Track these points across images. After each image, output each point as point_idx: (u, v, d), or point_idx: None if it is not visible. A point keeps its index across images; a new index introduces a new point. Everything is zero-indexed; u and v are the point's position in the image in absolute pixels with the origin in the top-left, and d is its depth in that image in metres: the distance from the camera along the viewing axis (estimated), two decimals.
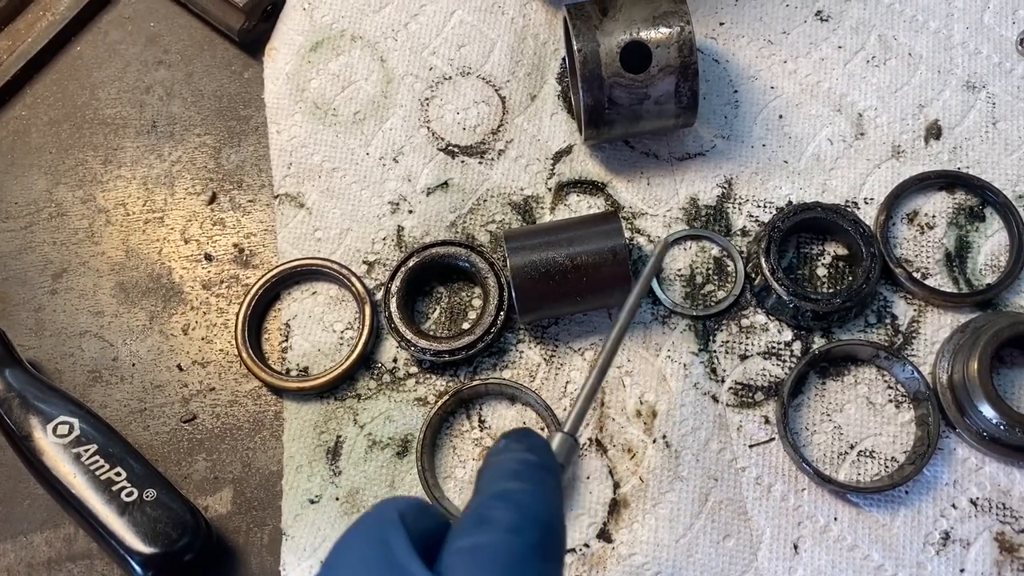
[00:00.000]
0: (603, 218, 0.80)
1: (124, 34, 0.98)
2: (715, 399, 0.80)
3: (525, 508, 0.51)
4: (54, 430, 0.76)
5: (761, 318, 0.82)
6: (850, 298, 0.79)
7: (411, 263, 0.84)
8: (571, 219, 0.81)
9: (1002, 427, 0.74)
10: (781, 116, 0.89)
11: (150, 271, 0.89)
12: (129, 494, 0.74)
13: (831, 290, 0.82)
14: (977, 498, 0.76)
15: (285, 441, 0.82)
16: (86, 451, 0.75)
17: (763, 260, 0.80)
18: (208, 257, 0.89)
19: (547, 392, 0.82)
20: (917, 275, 0.82)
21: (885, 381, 0.80)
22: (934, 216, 0.85)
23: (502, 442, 0.58)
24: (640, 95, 0.80)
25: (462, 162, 0.89)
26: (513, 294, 0.79)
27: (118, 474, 0.75)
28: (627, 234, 0.86)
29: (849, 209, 0.83)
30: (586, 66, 0.79)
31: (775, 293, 0.80)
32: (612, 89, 0.79)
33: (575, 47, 0.79)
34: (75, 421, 0.77)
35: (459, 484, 0.80)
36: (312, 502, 0.79)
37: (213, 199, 0.90)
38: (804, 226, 0.83)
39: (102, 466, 0.75)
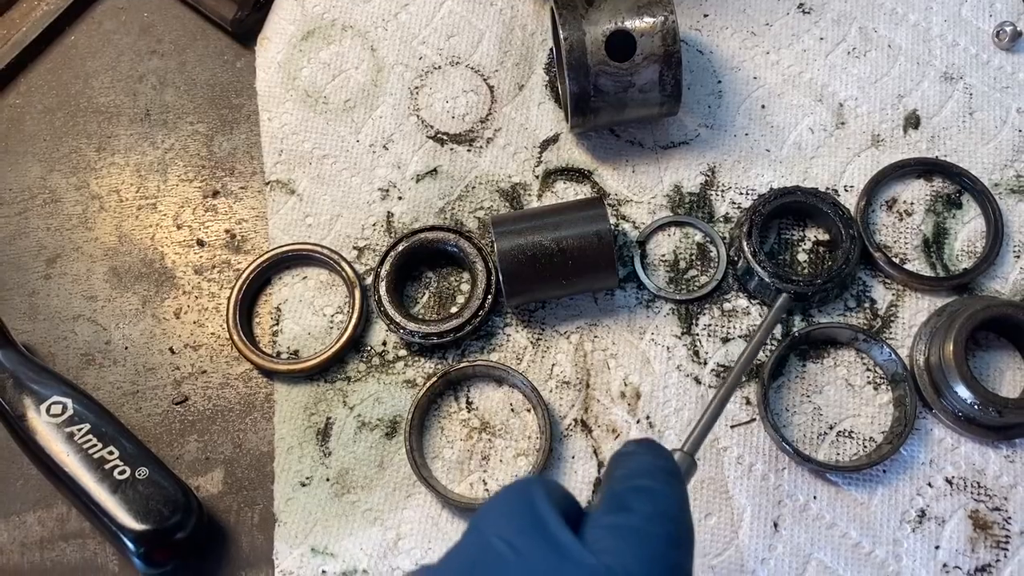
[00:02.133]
0: (589, 203, 0.82)
1: (118, 24, 0.99)
2: (697, 381, 0.82)
3: (660, 502, 0.54)
4: (47, 410, 0.77)
5: (743, 302, 0.84)
6: (831, 279, 0.81)
7: (400, 248, 0.85)
8: (557, 204, 0.83)
9: (976, 407, 0.76)
10: (763, 106, 0.91)
11: (143, 256, 0.90)
12: (122, 472, 0.76)
13: (812, 271, 0.84)
14: (952, 477, 0.78)
15: (276, 423, 0.83)
16: (79, 430, 0.77)
17: (744, 243, 0.82)
18: (200, 243, 0.90)
19: (533, 374, 0.83)
20: (896, 260, 0.84)
21: (864, 363, 0.82)
22: (912, 203, 0.87)
23: (631, 446, 0.61)
24: (625, 83, 0.81)
25: (451, 150, 0.91)
26: (500, 278, 0.80)
27: (111, 453, 0.76)
28: (612, 220, 0.87)
29: (829, 192, 0.85)
30: (572, 54, 0.81)
31: (757, 275, 0.81)
32: (598, 77, 0.81)
33: (561, 36, 0.81)
34: (68, 401, 0.78)
35: (447, 464, 0.81)
36: (303, 484, 0.81)
37: (215, 195, 0.91)
38: (785, 210, 0.85)
39: (95, 445, 0.76)
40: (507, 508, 0.52)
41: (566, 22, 0.81)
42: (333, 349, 0.83)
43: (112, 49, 0.98)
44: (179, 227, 0.91)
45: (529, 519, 0.51)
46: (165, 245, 0.91)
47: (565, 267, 0.79)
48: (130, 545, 0.74)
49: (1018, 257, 0.84)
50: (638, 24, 0.80)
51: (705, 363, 0.82)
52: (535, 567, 0.48)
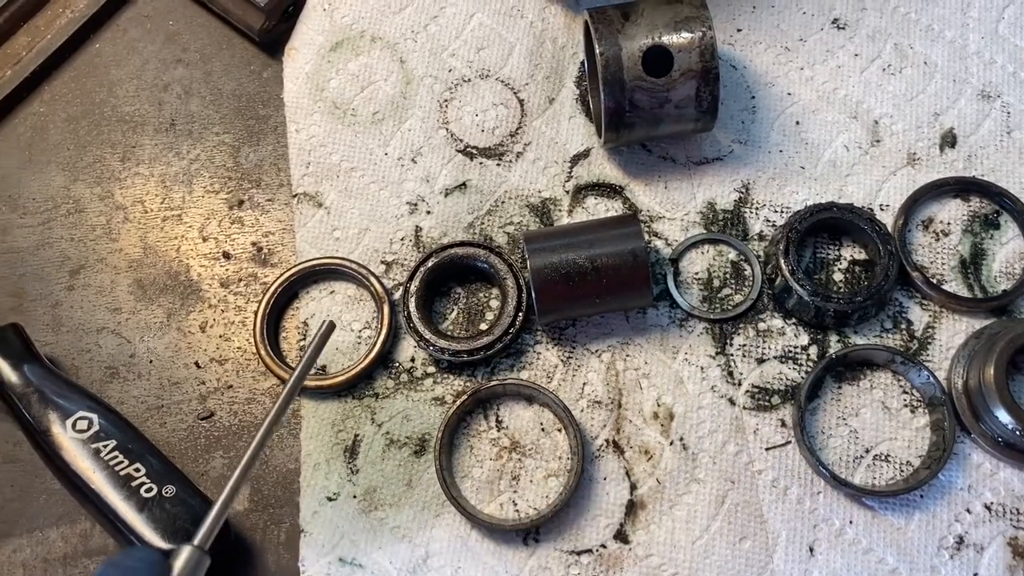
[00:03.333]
0: (622, 221, 0.81)
1: (143, 32, 0.98)
2: (732, 402, 0.81)
3: None
4: (73, 425, 0.76)
5: (778, 322, 0.83)
6: (870, 296, 0.80)
7: (430, 263, 0.84)
8: (591, 221, 0.82)
9: (1018, 433, 0.75)
10: (798, 122, 0.89)
11: (168, 268, 0.89)
12: (148, 490, 0.74)
13: (850, 289, 0.82)
14: (991, 503, 0.77)
15: (303, 439, 0.82)
16: (105, 447, 0.76)
17: (782, 261, 0.81)
18: (226, 255, 0.89)
19: (564, 393, 0.82)
20: (933, 280, 0.83)
21: (900, 386, 0.81)
22: (949, 223, 0.86)
23: (119, 556, 0.60)
24: (661, 99, 0.80)
25: (480, 164, 0.90)
26: (532, 295, 0.79)
27: (137, 470, 0.75)
28: (645, 237, 0.86)
29: (865, 208, 0.84)
30: (608, 69, 0.80)
31: (796, 293, 0.80)
32: (633, 93, 0.80)
33: (597, 51, 0.80)
34: (94, 417, 0.77)
35: (476, 484, 0.80)
36: (330, 500, 0.80)
37: (240, 204, 0.90)
38: (821, 227, 0.84)
39: (121, 462, 0.75)
40: None
41: (602, 36, 0.80)
42: (361, 365, 0.82)
43: (137, 58, 0.97)
44: (205, 239, 0.90)
45: None
46: (190, 257, 0.89)
47: (599, 285, 0.78)
48: None
49: None
50: (675, 39, 0.79)
51: (740, 384, 0.81)
52: None
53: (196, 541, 0.64)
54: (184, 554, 0.64)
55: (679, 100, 0.80)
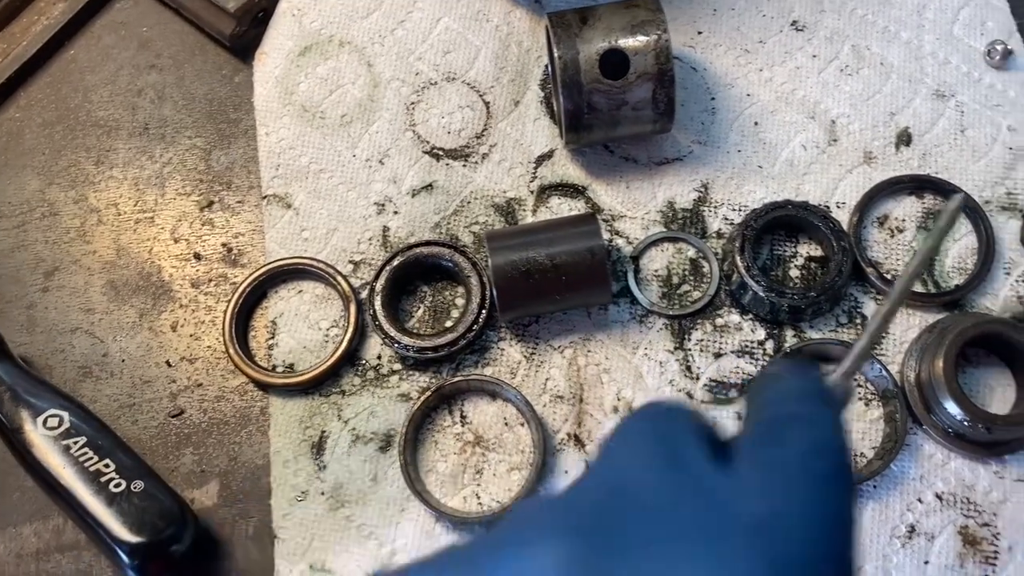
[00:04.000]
0: (582, 219, 0.82)
1: (117, 38, 1.00)
2: (690, 396, 0.83)
3: (819, 433, 0.46)
4: (44, 422, 0.78)
5: (735, 318, 0.85)
6: (824, 292, 0.81)
7: (396, 262, 0.86)
8: (551, 220, 0.84)
9: (966, 423, 0.76)
10: (756, 123, 0.91)
11: (140, 269, 0.91)
12: (117, 485, 0.76)
13: (804, 285, 0.84)
14: (942, 492, 0.79)
15: (271, 436, 0.84)
16: (75, 443, 0.77)
17: (738, 258, 0.83)
18: (197, 256, 0.91)
19: (527, 389, 0.84)
20: (888, 276, 0.85)
21: (855, 379, 0.82)
22: (904, 220, 0.88)
23: (776, 366, 0.54)
24: (618, 101, 0.82)
25: (447, 165, 0.92)
26: (494, 292, 0.81)
27: (107, 466, 0.77)
28: (606, 236, 0.88)
29: (819, 205, 0.86)
30: (566, 72, 0.81)
31: (751, 289, 0.82)
32: (591, 95, 0.82)
33: (555, 54, 0.82)
34: (65, 414, 0.79)
35: (440, 478, 0.82)
36: (299, 499, 0.81)
37: (211, 206, 0.92)
38: (777, 224, 0.86)
39: (91, 458, 0.77)
40: (644, 442, 0.45)
41: (560, 40, 0.82)
42: (328, 363, 0.84)
43: (111, 63, 0.99)
44: (176, 241, 0.92)
45: (669, 457, 0.44)
46: (162, 258, 0.91)
47: (558, 282, 0.80)
48: (125, 558, 0.74)
49: (1008, 274, 0.85)
50: (631, 43, 0.81)
51: (697, 378, 0.83)
52: (679, 513, 0.41)
53: (842, 372, 0.54)
54: (829, 381, 0.54)
55: (636, 102, 0.82)
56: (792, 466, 0.44)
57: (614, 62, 0.81)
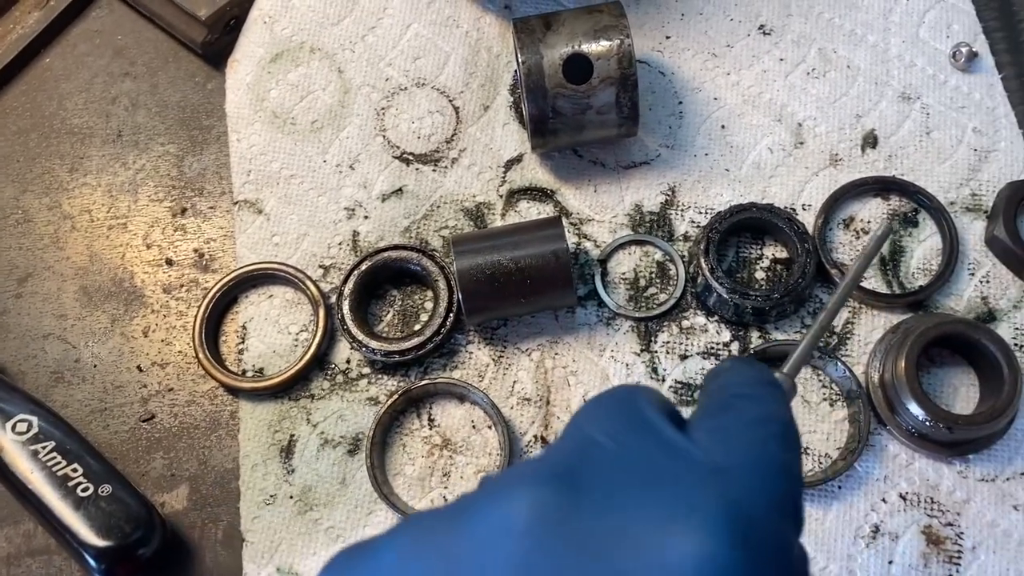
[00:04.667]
0: (547, 223, 0.83)
1: (92, 47, 1.01)
2: None
3: (765, 406, 0.51)
4: (13, 427, 0.78)
5: (701, 319, 0.85)
6: (787, 293, 0.82)
7: (364, 267, 0.86)
8: (517, 224, 0.84)
9: (928, 424, 0.77)
10: (723, 126, 0.92)
11: (113, 275, 0.92)
12: (85, 489, 0.77)
13: (769, 287, 0.85)
14: (906, 492, 0.79)
15: (241, 440, 0.84)
16: (44, 448, 0.78)
17: (702, 260, 0.83)
18: (169, 262, 0.92)
19: (495, 391, 0.84)
20: None
21: (820, 380, 0.83)
22: (869, 221, 0.88)
23: (727, 362, 0.59)
24: (582, 105, 0.83)
25: (416, 169, 0.92)
26: (460, 296, 0.81)
27: (75, 470, 0.77)
28: (574, 239, 0.89)
29: (784, 208, 0.86)
30: (530, 77, 0.82)
31: (715, 291, 0.83)
32: (555, 100, 0.83)
33: (519, 59, 0.82)
34: (34, 419, 0.79)
35: (408, 481, 0.82)
36: (267, 503, 0.82)
37: (183, 212, 0.93)
38: (742, 227, 0.86)
39: (59, 462, 0.77)
40: (610, 407, 0.50)
41: (524, 45, 0.83)
42: (296, 367, 0.84)
43: (86, 71, 1.00)
44: (149, 246, 0.92)
45: (633, 418, 0.48)
46: (135, 264, 0.92)
47: (523, 285, 0.81)
48: (92, 562, 0.75)
49: (972, 275, 0.86)
50: (594, 48, 0.82)
51: (663, 380, 0.84)
52: (641, 462, 0.46)
53: (786, 371, 0.58)
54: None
55: (600, 106, 0.83)
56: (741, 428, 0.48)
57: (578, 67, 0.82)
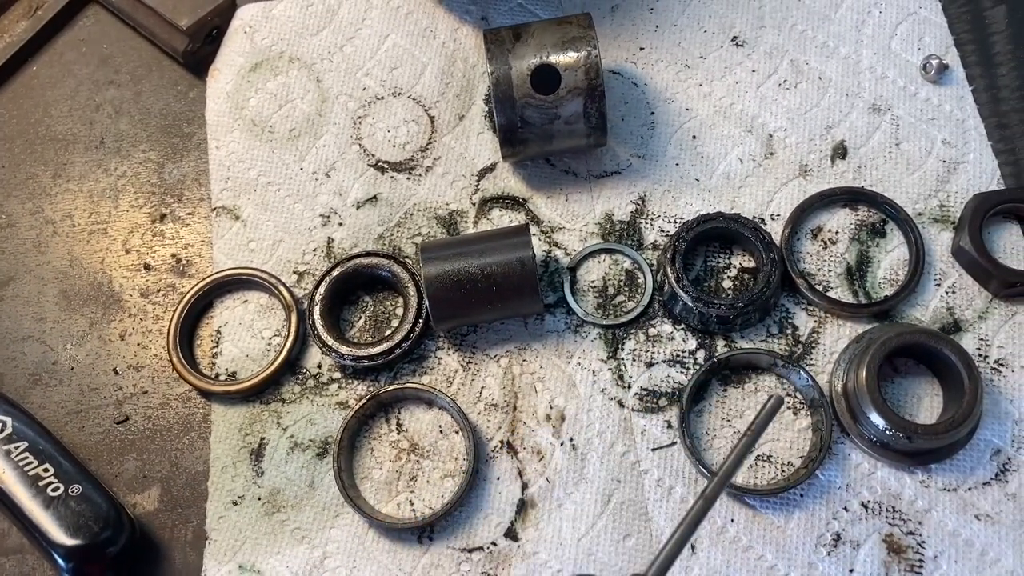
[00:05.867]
0: (515, 231, 0.84)
1: (78, 55, 1.03)
2: (621, 404, 0.84)
3: None
4: None
5: (668, 327, 0.86)
6: (751, 302, 0.83)
7: (336, 273, 0.88)
8: (485, 232, 0.85)
9: (888, 433, 0.77)
10: (695, 136, 0.93)
11: (92, 280, 0.93)
12: (55, 489, 0.78)
13: (735, 296, 0.86)
14: (868, 501, 0.80)
15: (212, 442, 0.85)
16: (16, 448, 0.79)
17: (668, 268, 0.84)
18: (147, 267, 0.93)
19: (463, 397, 0.85)
20: (819, 288, 0.86)
21: (784, 389, 0.84)
22: (837, 232, 0.89)
23: None
24: (551, 115, 0.84)
25: (391, 178, 0.94)
26: (427, 302, 0.82)
27: (46, 470, 0.79)
28: (545, 247, 0.90)
29: (750, 218, 0.87)
30: (499, 87, 0.83)
31: (681, 299, 0.83)
32: (524, 109, 0.84)
33: (488, 70, 0.83)
34: (8, 420, 0.81)
35: (375, 485, 0.83)
36: (235, 503, 0.83)
37: (162, 218, 0.94)
38: (710, 236, 0.87)
39: (31, 462, 0.79)
40: None
41: (494, 56, 0.84)
42: (267, 371, 0.85)
43: (72, 79, 1.02)
44: (128, 251, 0.94)
45: None
46: (114, 269, 0.94)
47: (490, 292, 0.82)
48: (60, 560, 0.76)
49: (939, 285, 0.86)
50: (562, 59, 0.83)
51: (629, 387, 0.84)
52: None
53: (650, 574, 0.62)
54: None
55: (568, 116, 0.84)
56: None
57: (546, 77, 0.83)
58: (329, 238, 0.92)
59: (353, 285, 0.89)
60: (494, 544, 0.80)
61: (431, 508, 0.82)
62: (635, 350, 0.85)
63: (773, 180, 0.91)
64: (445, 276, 0.82)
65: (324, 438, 0.85)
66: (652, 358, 0.85)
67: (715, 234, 0.87)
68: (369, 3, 1.00)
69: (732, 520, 0.80)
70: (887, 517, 0.79)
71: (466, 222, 0.92)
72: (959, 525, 0.78)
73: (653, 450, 0.82)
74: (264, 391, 0.86)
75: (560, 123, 0.84)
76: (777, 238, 0.87)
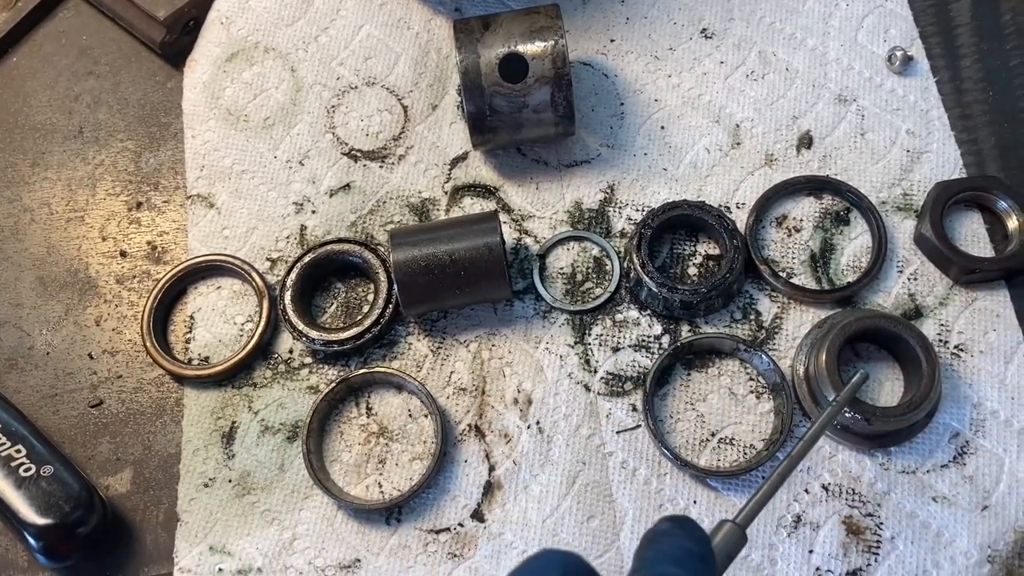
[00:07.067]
0: (483, 218, 0.85)
1: (58, 46, 1.04)
2: (587, 388, 0.85)
3: None
4: None
5: (634, 313, 0.87)
6: (714, 288, 0.84)
7: (307, 259, 0.89)
8: (454, 218, 0.87)
9: (847, 415, 0.79)
10: (663, 127, 0.94)
11: (69, 266, 0.94)
12: (27, 470, 0.79)
13: (699, 282, 0.87)
14: (829, 483, 0.81)
15: (184, 426, 0.87)
16: None
17: (634, 255, 0.86)
18: (123, 254, 0.94)
19: (432, 381, 0.86)
20: (783, 275, 0.87)
21: (747, 373, 0.85)
22: (802, 220, 0.90)
23: (665, 524, 0.60)
24: (519, 104, 0.85)
25: (364, 166, 0.95)
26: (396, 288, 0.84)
27: (18, 451, 0.80)
28: (515, 235, 0.91)
29: (717, 206, 0.88)
30: (468, 76, 0.85)
31: (646, 285, 0.85)
32: (492, 98, 0.85)
33: (457, 58, 0.85)
34: None
35: (344, 467, 0.84)
36: (206, 485, 0.84)
37: (138, 206, 0.96)
38: (675, 224, 0.88)
39: (3, 443, 0.80)
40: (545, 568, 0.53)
41: (462, 45, 0.85)
42: (239, 356, 0.87)
43: (51, 70, 1.03)
44: (104, 239, 0.95)
45: None
46: (90, 256, 0.95)
47: (458, 278, 0.83)
48: (31, 540, 0.77)
49: (901, 272, 0.87)
50: (530, 48, 0.85)
51: (595, 371, 0.86)
52: None
53: (739, 520, 0.64)
54: (726, 528, 0.64)
55: (536, 105, 0.85)
56: None
57: (514, 66, 0.85)
58: (302, 225, 0.93)
59: (325, 271, 0.91)
60: (461, 525, 0.82)
61: (399, 490, 0.83)
62: (602, 335, 0.87)
63: (739, 169, 0.92)
64: (413, 261, 0.83)
65: (294, 422, 0.86)
66: (618, 343, 0.86)
67: (681, 222, 0.88)
68: None
69: (695, 502, 0.81)
70: (847, 499, 0.80)
71: (438, 210, 0.93)
72: (916, 507, 0.79)
73: (618, 433, 0.83)
74: (236, 375, 0.88)
75: (528, 111, 0.86)
76: (742, 226, 0.89)
